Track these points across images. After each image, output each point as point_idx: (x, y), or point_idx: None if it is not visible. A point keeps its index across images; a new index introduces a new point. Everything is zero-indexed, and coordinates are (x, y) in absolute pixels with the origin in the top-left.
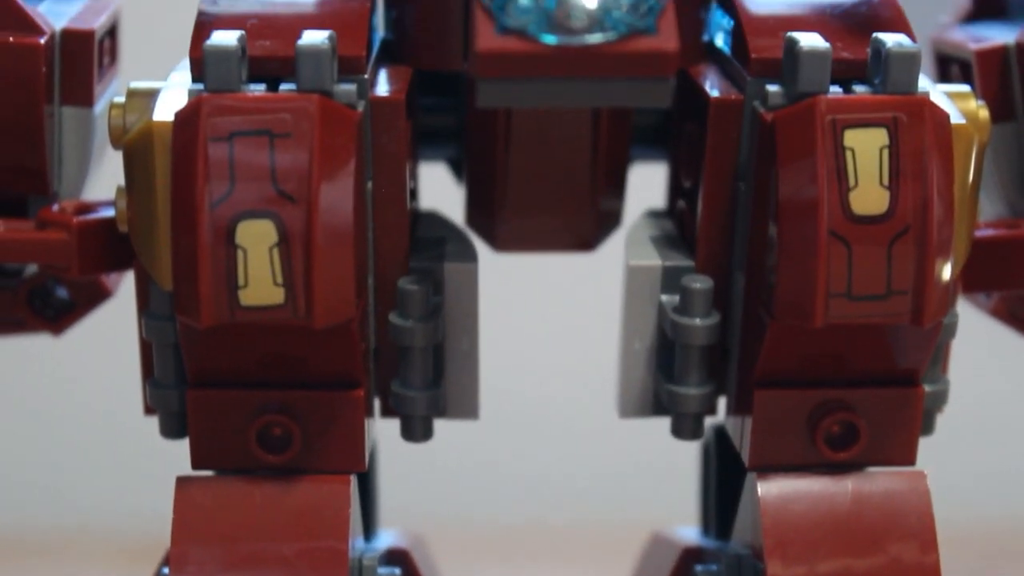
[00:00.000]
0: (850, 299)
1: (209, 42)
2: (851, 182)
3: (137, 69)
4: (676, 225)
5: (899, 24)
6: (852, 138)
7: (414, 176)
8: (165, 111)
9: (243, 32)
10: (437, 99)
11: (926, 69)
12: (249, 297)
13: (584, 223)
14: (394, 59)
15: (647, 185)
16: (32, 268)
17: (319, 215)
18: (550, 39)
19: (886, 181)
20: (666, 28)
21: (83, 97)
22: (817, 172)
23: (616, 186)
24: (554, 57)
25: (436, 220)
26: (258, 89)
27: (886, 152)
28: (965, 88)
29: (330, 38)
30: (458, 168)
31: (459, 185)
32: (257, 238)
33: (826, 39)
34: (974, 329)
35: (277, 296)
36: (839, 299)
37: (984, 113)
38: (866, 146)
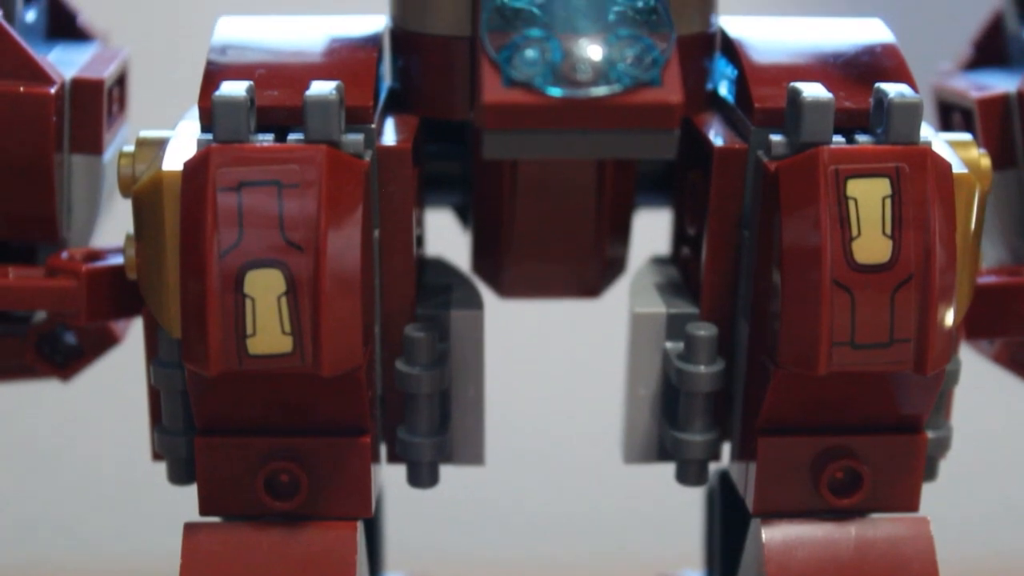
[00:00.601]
0: (853, 347)
1: (218, 93)
2: (854, 231)
3: (145, 115)
4: (680, 272)
5: (901, 74)
6: (855, 188)
7: (420, 223)
8: (174, 161)
9: (251, 83)
10: (443, 146)
11: (928, 116)
12: (257, 346)
13: (589, 270)
14: (401, 107)
15: (652, 230)
16: (41, 314)
17: (326, 265)
18: (556, 92)
19: (889, 230)
20: (670, 80)
21: (92, 145)
22: (820, 222)
23: (621, 233)
24: (560, 109)
25: (442, 267)
26: (266, 139)
27: (888, 202)
28: (967, 137)
29: (337, 88)
30: (464, 214)
31: (465, 231)
32: (265, 287)
33: (829, 89)
34: (977, 375)
35: (285, 345)
36: (842, 347)
37: (986, 161)
38: (869, 196)
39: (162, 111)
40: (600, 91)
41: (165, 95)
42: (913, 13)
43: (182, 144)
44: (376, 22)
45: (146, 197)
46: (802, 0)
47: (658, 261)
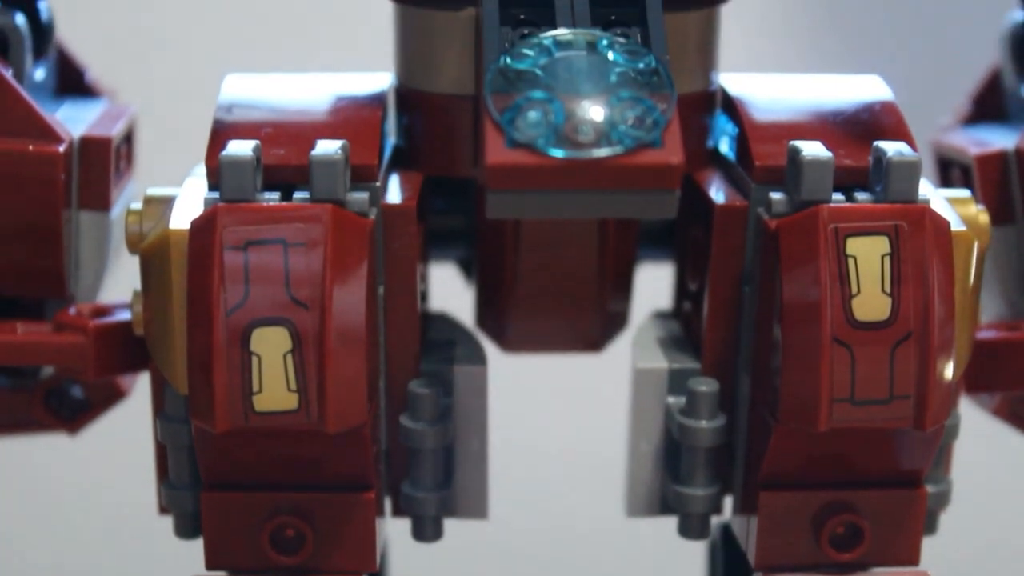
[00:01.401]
0: (853, 404)
1: (225, 153)
2: (853, 289)
3: (151, 169)
4: (682, 327)
5: (900, 132)
6: (854, 246)
7: (424, 279)
8: (181, 219)
9: (258, 142)
10: (448, 201)
11: (927, 171)
12: (263, 403)
13: (591, 324)
14: (405, 164)
15: (653, 283)
16: (49, 368)
17: (332, 324)
18: (558, 153)
19: (888, 288)
20: (671, 141)
21: (100, 202)
22: (820, 280)
23: (623, 288)
24: (562, 170)
25: (446, 322)
26: (272, 197)
27: (887, 260)
28: (965, 193)
29: (343, 148)
30: (468, 269)
31: (469, 285)
32: (272, 345)
33: (828, 147)
34: (976, 428)
35: (291, 402)
36: (842, 404)
37: (984, 218)
38: (868, 254)
39: (168, 161)
40: (602, 152)
41: (171, 148)
42: (913, 66)
43: (189, 202)
44: (381, 80)
45: (154, 255)
46: (802, 54)
47: (660, 316)
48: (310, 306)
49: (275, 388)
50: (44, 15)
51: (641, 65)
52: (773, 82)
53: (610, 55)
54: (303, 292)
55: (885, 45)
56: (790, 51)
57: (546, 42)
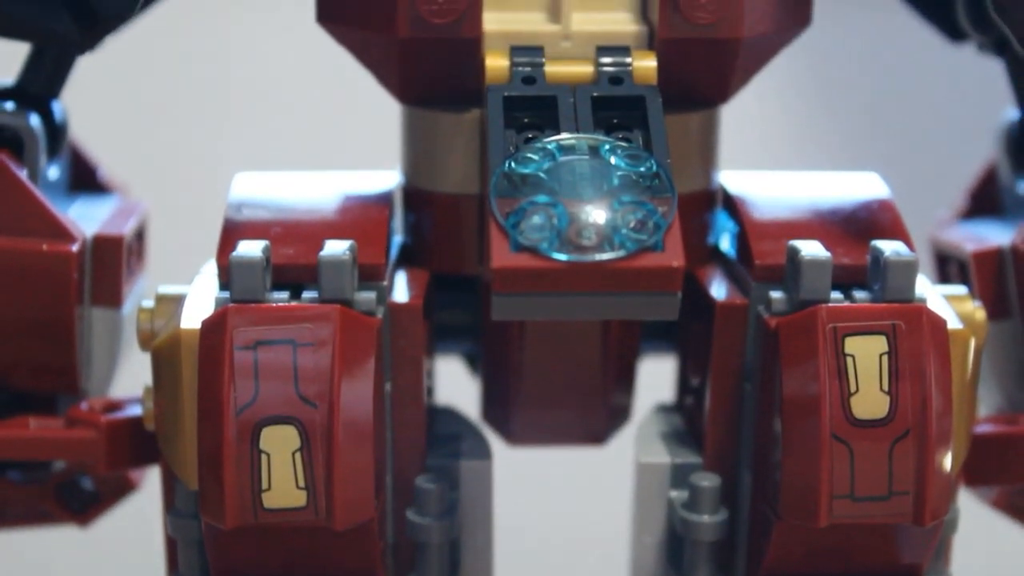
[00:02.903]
0: (853, 500)
1: (235, 254)
2: (852, 387)
3: (162, 259)
4: (685, 420)
5: (897, 230)
6: (852, 345)
7: (430, 374)
8: (192, 319)
9: (267, 243)
10: (454, 297)
11: (925, 266)
12: (272, 500)
13: (595, 418)
14: (412, 262)
15: (656, 375)
16: (60, 461)
17: (340, 423)
18: (561, 257)
19: (886, 386)
20: (672, 245)
21: (112, 298)
22: (819, 378)
23: (626, 382)
24: (566, 274)
25: (452, 416)
26: (282, 296)
27: (886, 358)
28: (962, 290)
29: (351, 248)
30: (474, 362)
31: (474, 378)
32: (281, 443)
33: (827, 245)
34: (976, 520)
35: (299, 499)
36: (842, 500)
37: (981, 314)
38: (866, 352)
39: (178, 253)
40: (604, 256)
41: (181, 239)
42: (912, 160)
43: (199, 301)
44: (388, 178)
45: (165, 353)
46: (801, 150)
47: (663, 409)
48: (318, 405)
49: (284, 485)
50: (58, 115)
51: (643, 169)
52: (772, 180)
53: (612, 159)
54: (312, 391)
55: (883, 140)
56: (789, 148)
57: (550, 147)
